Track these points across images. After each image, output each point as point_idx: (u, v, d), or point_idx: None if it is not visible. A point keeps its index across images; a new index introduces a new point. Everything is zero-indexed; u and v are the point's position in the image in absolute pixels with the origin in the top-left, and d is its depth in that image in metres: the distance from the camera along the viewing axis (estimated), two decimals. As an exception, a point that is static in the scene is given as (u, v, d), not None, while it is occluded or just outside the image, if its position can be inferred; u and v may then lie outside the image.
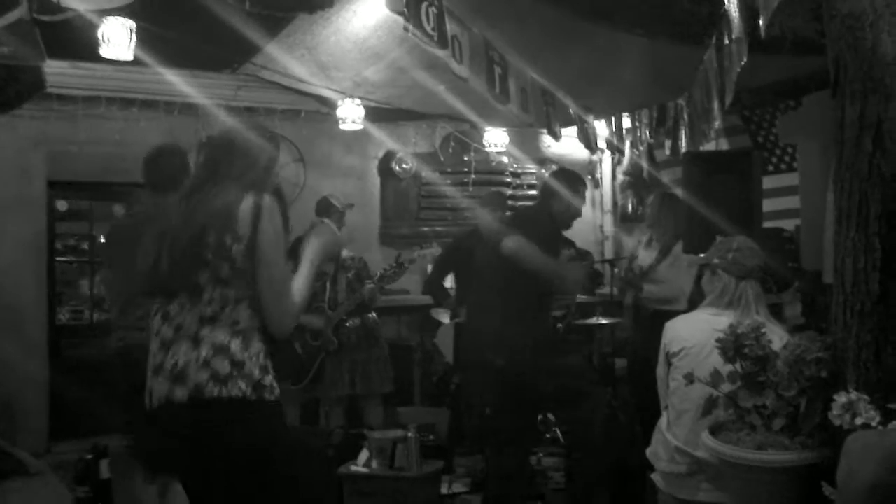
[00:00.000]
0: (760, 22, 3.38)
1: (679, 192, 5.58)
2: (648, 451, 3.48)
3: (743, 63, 3.80)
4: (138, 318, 3.87)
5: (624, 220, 8.80)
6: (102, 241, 7.00)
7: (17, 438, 6.25)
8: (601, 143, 6.72)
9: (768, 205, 5.93)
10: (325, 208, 6.18)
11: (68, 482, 4.95)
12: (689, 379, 2.91)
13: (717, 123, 4.54)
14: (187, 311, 2.80)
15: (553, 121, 5.69)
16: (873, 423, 2.30)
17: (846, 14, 2.62)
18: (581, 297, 6.94)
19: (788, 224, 6.20)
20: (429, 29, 4.09)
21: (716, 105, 4.32)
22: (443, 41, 4.21)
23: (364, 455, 4.94)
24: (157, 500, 4.22)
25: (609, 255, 8.53)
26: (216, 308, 2.79)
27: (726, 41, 4.02)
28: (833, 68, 2.69)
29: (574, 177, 5.07)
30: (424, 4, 4.02)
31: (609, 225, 8.95)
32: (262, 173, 3.05)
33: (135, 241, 3.36)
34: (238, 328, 2.79)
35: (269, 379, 2.82)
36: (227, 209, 2.82)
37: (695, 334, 3.30)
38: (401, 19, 4.05)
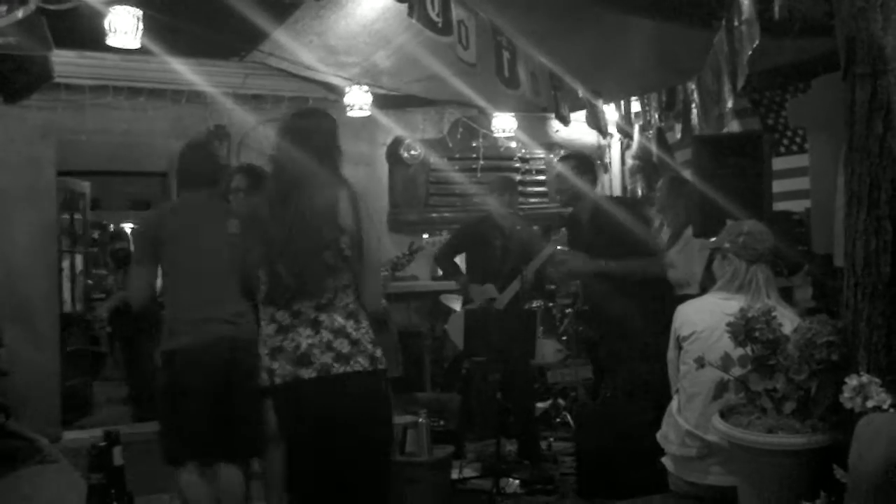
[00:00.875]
0: (775, 3, 3.38)
1: (690, 175, 5.56)
2: (659, 435, 3.48)
3: (755, 45, 3.79)
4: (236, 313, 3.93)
5: (634, 204, 8.78)
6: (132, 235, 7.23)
7: (30, 425, 6.29)
8: (611, 128, 6.70)
9: (779, 186, 5.91)
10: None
11: (82, 469, 4.96)
12: (700, 363, 2.91)
13: (729, 105, 4.52)
14: (302, 300, 3.06)
15: (561, 105, 5.68)
16: (885, 406, 2.29)
17: (856, -5, 2.61)
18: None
19: (799, 205, 6.18)
20: (433, 15, 4.08)
21: (727, 88, 4.30)
22: (447, 28, 4.20)
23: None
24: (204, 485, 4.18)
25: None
26: (330, 295, 3.07)
27: (737, 23, 4.01)
28: (843, 50, 2.68)
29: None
30: (430, -10, 4.02)
31: (618, 209, 8.93)
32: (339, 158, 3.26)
33: (177, 235, 3.88)
34: (350, 310, 3.10)
35: (379, 351, 3.16)
36: (332, 207, 3.07)
37: (705, 318, 3.29)
38: (405, 5, 4.06)
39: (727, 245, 3.37)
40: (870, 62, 2.55)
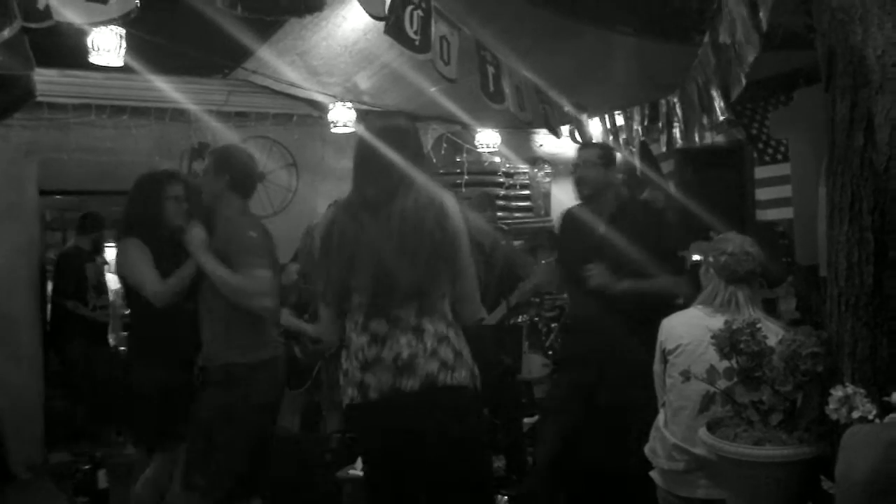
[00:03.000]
0: (761, 16, 3.40)
1: (673, 187, 5.60)
2: (646, 449, 3.48)
3: (752, 58, 3.79)
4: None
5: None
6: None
7: (13, 448, 6.25)
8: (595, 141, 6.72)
9: (764, 193, 5.94)
10: None
11: (67, 492, 4.94)
12: (686, 376, 2.91)
13: (721, 118, 4.52)
14: (404, 307, 2.90)
15: (552, 118, 5.70)
16: (870, 417, 2.29)
17: (836, 8, 2.62)
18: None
19: (783, 213, 6.20)
20: (411, 33, 4.06)
21: (717, 100, 4.32)
22: (425, 45, 4.17)
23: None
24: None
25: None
26: (432, 301, 2.92)
27: (723, 37, 4.03)
28: (824, 63, 2.69)
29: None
30: (409, 8, 4.00)
31: (602, 223, 8.95)
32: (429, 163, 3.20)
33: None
34: (448, 319, 2.96)
35: (476, 368, 2.98)
36: (436, 211, 2.94)
37: (690, 331, 3.30)
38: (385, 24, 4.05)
39: (710, 259, 3.38)
40: (850, 74, 2.56)
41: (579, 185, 4.45)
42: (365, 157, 3.08)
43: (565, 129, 6.21)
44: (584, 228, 4.59)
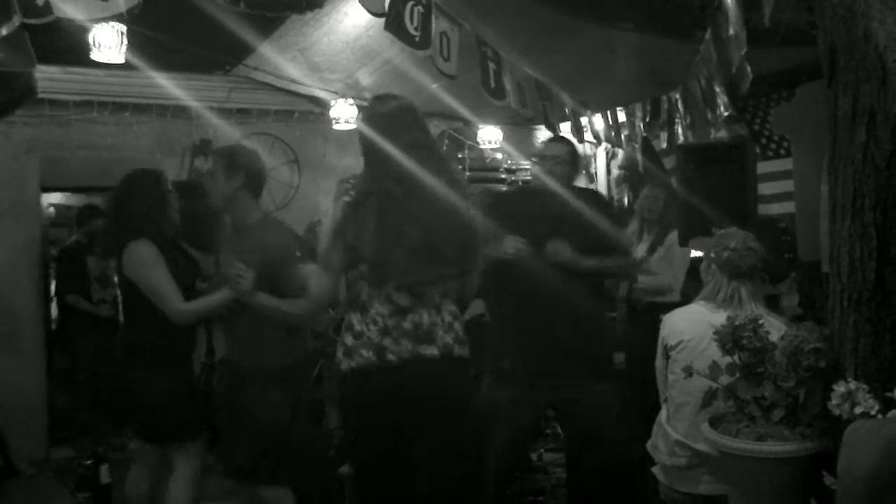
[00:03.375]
0: (765, 11, 3.39)
1: (675, 183, 5.58)
2: (648, 445, 3.48)
3: (742, 53, 3.80)
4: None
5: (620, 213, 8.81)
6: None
7: (16, 444, 6.26)
8: (598, 138, 6.72)
9: (767, 188, 5.94)
10: None
11: (69, 487, 4.95)
12: (688, 372, 2.91)
13: (725, 113, 4.53)
14: (431, 282, 3.08)
15: (551, 115, 5.69)
16: (873, 412, 2.30)
17: (837, 3, 2.62)
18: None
19: (786, 207, 6.19)
20: (411, 29, 4.06)
21: (720, 95, 4.32)
22: (425, 41, 4.18)
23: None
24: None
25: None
26: (448, 286, 3.12)
27: (726, 32, 4.03)
28: (826, 59, 2.69)
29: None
30: (410, 4, 4.00)
31: (604, 219, 8.95)
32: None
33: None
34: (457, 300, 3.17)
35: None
36: (456, 200, 3.10)
37: (693, 327, 3.30)
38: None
39: (713, 255, 3.38)
40: (852, 70, 2.56)
41: (551, 174, 4.41)
42: (385, 140, 3.13)
43: (565, 125, 6.20)
44: (534, 211, 4.50)
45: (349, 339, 3.07)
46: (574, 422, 4.34)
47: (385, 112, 3.20)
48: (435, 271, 3.07)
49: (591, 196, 4.80)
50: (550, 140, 4.84)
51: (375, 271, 3.06)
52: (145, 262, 3.97)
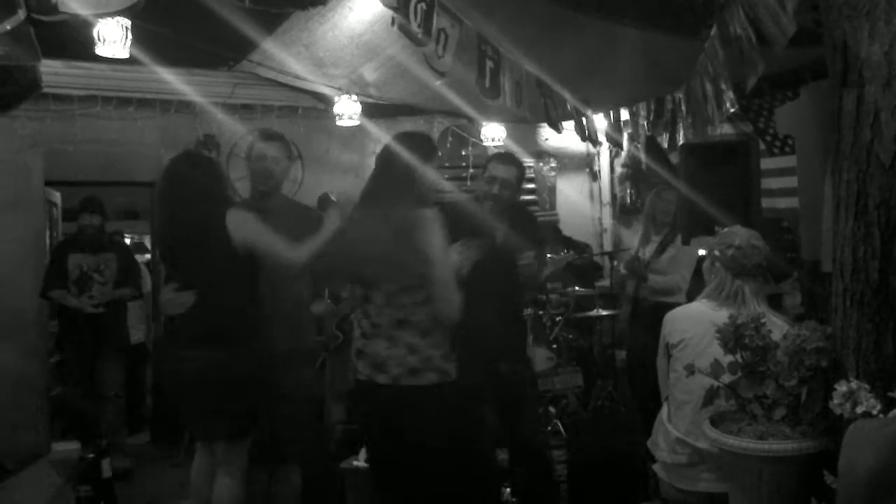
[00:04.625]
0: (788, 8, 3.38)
1: (679, 181, 5.57)
2: (649, 442, 3.48)
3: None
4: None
5: (622, 212, 8.81)
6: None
7: (18, 437, 6.28)
8: (600, 136, 6.71)
9: (771, 183, 5.92)
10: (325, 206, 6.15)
11: (71, 481, 4.95)
12: (690, 370, 2.92)
13: (730, 110, 4.51)
14: (384, 314, 3.34)
15: (552, 113, 5.68)
16: (874, 412, 2.30)
17: (843, 3, 2.62)
18: (580, 290, 6.96)
19: (790, 202, 6.18)
20: (414, 25, 4.08)
21: (726, 94, 4.31)
22: (426, 37, 4.20)
23: (365, 450, 4.94)
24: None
25: (608, 247, 8.54)
26: (405, 313, 3.30)
27: (735, 30, 4.02)
28: (830, 59, 2.69)
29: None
30: (414, 1, 4.02)
31: (607, 217, 8.95)
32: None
33: None
34: (423, 328, 3.30)
35: (452, 367, 3.38)
36: (407, 229, 3.28)
37: (695, 326, 3.30)
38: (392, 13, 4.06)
39: (717, 253, 3.38)
40: (857, 70, 2.56)
41: (493, 199, 4.38)
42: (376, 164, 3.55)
43: (568, 124, 6.19)
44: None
45: (353, 355, 3.46)
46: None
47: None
48: (381, 300, 3.31)
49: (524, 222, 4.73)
50: (500, 160, 4.65)
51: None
52: (250, 227, 3.86)
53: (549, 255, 5.50)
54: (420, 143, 3.64)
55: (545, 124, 6.74)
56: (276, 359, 3.91)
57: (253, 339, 3.84)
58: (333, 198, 6.16)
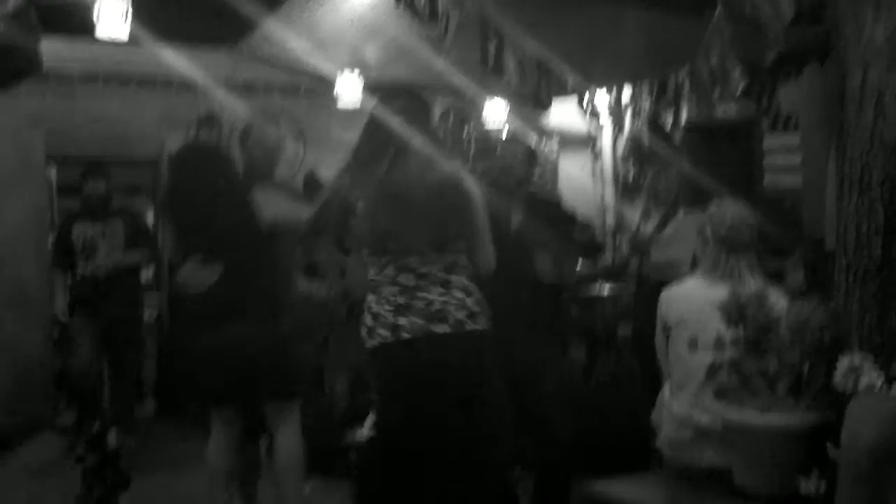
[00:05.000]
0: None
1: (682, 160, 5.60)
2: (653, 418, 3.51)
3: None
4: None
5: (625, 190, 8.81)
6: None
7: (22, 409, 6.30)
8: (603, 114, 6.72)
9: (774, 159, 5.92)
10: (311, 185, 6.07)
11: (77, 451, 4.96)
12: (693, 345, 2.94)
13: (740, 88, 4.53)
14: (431, 261, 3.17)
15: (542, 90, 5.68)
16: (877, 386, 2.33)
17: (848, -15, 2.64)
18: (583, 269, 6.98)
19: (794, 180, 6.17)
20: (420, 5, 4.12)
21: (735, 72, 4.32)
22: (433, 18, 4.24)
23: (371, 420, 4.96)
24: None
25: (610, 225, 8.54)
26: (455, 258, 3.21)
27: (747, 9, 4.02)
28: (835, 39, 2.71)
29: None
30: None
31: (610, 196, 8.95)
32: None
33: None
34: (470, 272, 3.25)
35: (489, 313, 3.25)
36: (453, 180, 3.21)
37: (692, 304, 3.30)
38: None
39: (709, 231, 3.38)
40: (861, 51, 2.58)
41: (503, 177, 4.38)
42: (380, 124, 3.31)
43: (567, 100, 6.19)
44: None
45: (369, 320, 3.21)
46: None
47: (392, 95, 3.44)
48: (427, 249, 3.17)
49: (545, 206, 4.69)
50: (508, 141, 4.88)
51: (375, 252, 3.23)
52: (280, 199, 4.06)
53: None
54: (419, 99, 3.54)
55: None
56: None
57: (281, 308, 4.04)
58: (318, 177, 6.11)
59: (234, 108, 7.18)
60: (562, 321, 4.63)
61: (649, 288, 5.66)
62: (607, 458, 4.62)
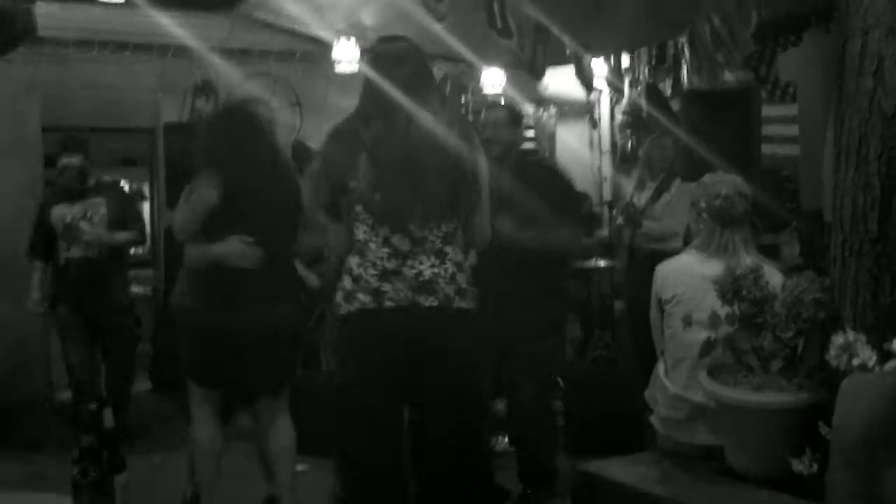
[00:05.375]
0: None
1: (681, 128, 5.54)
2: (647, 395, 3.47)
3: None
4: None
5: (623, 160, 8.74)
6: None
7: (19, 385, 6.29)
8: (599, 82, 6.64)
9: (772, 129, 5.88)
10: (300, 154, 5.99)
11: (73, 430, 4.94)
12: (688, 321, 2.91)
13: (744, 53, 4.48)
14: (430, 227, 2.98)
15: (537, 58, 5.61)
16: (870, 364, 2.30)
17: (849, -52, 2.57)
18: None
19: (791, 149, 6.13)
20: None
21: (738, 36, 4.27)
22: None
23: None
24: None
25: (607, 196, 8.49)
26: (453, 227, 3.03)
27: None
28: (835, 3, 2.65)
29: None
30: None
31: (607, 166, 8.88)
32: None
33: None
34: (463, 247, 3.08)
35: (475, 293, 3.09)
36: (463, 143, 3.03)
37: (686, 280, 3.25)
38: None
39: (703, 205, 3.32)
40: (861, 16, 2.52)
41: (488, 145, 4.31)
42: (382, 79, 3.07)
43: (565, 69, 6.12)
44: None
45: (348, 283, 3.00)
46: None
47: (392, 50, 3.15)
48: (432, 211, 2.97)
49: (538, 165, 4.77)
50: (489, 108, 4.77)
51: (370, 210, 2.99)
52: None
53: None
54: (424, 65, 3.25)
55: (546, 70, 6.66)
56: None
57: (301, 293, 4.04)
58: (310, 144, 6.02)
59: (230, 75, 7.12)
60: (556, 293, 4.54)
61: (641, 259, 5.64)
62: (601, 435, 4.64)
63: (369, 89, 3.11)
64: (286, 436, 3.99)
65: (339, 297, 3.03)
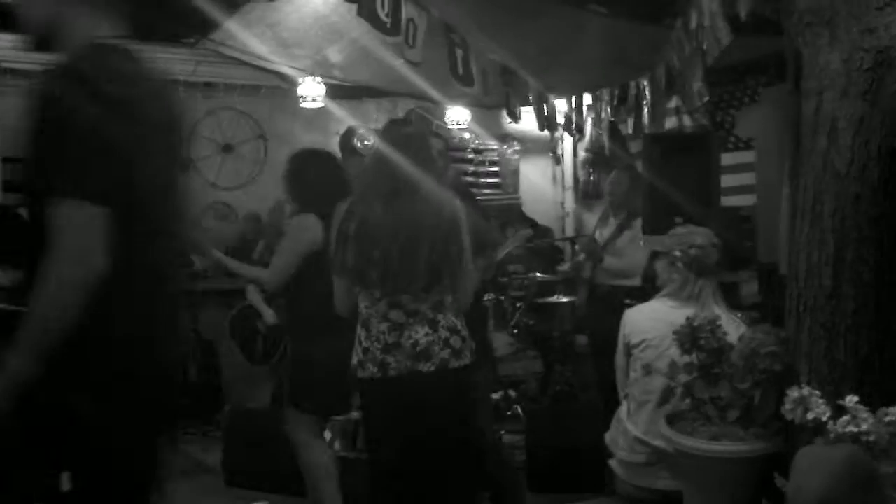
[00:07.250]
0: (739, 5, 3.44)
1: (641, 168, 5.59)
2: (608, 438, 3.51)
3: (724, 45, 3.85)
4: None
5: (585, 196, 8.83)
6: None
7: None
8: (560, 122, 6.73)
9: (728, 181, 5.99)
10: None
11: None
12: (647, 370, 2.95)
13: (699, 103, 4.58)
14: (421, 299, 3.24)
15: (512, 101, 5.69)
16: (824, 418, 2.34)
17: (804, 10, 2.64)
18: (541, 276, 7.00)
19: (748, 199, 6.25)
20: (382, 15, 4.10)
21: (695, 86, 4.36)
22: (395, 28, 4.22)
23: (327, 437, 4.94)
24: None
25: (569, 231, 8.57)
26: (442, 296, 3.28)
27: (696, 24, 4.06)
28: (791, 65, 2.72)
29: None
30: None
31: (570, 202, 8.98)
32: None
33: None
34: (455, 309, 3.33)
35: (472, 343, 3.38)
36: (440, 211, 3.27)
37: (656, 326, 3.32)
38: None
39: (678, 254, 3.40)
40: (816, 77, 2.59)
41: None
42: (384, 159, 3.38)
43: (527, 110, 6.20)
44: None
45: (360, 353, 3.32)
46: None
47: (402, 134, 3.51)
48: (422, 284, 3.23)
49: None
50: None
51: (366, 285, 3.28)
52: None
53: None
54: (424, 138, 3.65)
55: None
56: None
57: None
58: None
59: (195, 108, 7.11)
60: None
61: (602, 295, 5.70)
62: (560, 476, 4.66)
63: (380, 170, 3.40)
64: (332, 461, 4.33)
65: (354, 360, 3.35)
